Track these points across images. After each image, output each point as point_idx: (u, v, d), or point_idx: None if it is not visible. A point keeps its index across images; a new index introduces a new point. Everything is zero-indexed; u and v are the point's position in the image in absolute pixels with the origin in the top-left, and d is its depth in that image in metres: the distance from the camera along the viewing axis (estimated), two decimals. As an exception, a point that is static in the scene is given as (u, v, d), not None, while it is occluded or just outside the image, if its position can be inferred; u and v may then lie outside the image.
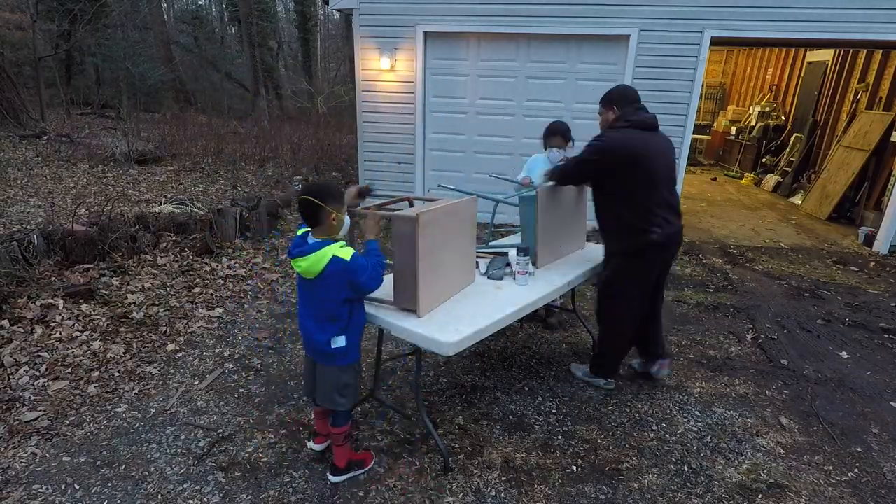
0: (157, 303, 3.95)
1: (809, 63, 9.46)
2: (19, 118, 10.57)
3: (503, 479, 2.41)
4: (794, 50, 9.86)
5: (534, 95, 6.25)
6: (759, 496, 2.37)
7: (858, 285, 5.01)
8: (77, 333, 3.43)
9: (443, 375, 3.25)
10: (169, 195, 6.82)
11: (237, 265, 4.77)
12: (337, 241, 2.14)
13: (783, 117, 10.22)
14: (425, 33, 6.20)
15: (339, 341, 2.19)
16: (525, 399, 3.02)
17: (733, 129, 11.18)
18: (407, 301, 2.34)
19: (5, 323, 3.39)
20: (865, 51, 7.68)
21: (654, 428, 2.82)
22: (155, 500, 2.23)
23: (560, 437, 2.71)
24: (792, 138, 9.45)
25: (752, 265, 5.49)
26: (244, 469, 2.42)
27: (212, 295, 4.19)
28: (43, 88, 12.17)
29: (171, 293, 4.13)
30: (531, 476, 2.43)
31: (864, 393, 3.23)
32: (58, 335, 3.37)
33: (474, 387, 3.13)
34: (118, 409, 2.81)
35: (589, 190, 3.09)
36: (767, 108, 10.39)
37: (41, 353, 3.19)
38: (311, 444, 2.55)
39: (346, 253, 2.10)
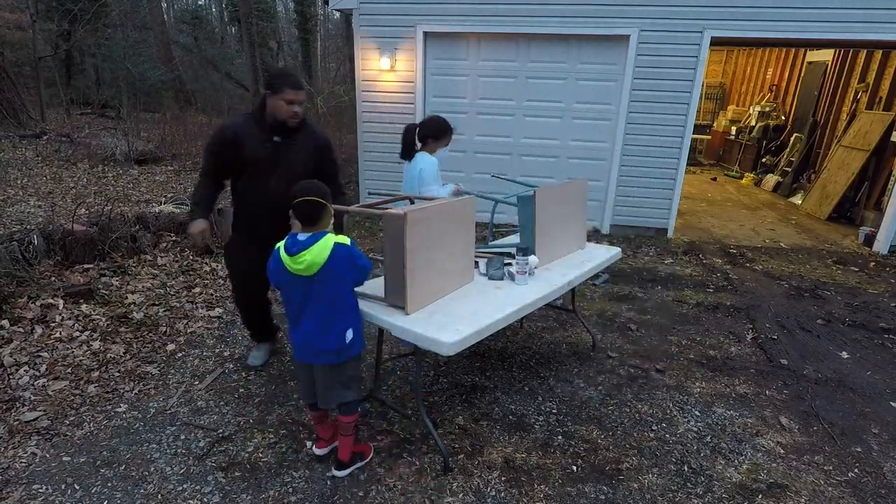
0: (157, 303, 3.95)
1: (809, 63, 9.46)
2: (19, 118, 10.57)
3: (503, 479, 2.41)
4: (794, 50, 9.85)
5: (534, 95, 6.25)
6: (759, 496, 2.37)
7: (858, 285, 5.01)
8: (77, 333, 3.43)
9: (443, 375, 3.25)
10: (169, 195, 6.82)
11: (237, 265, 4.77)
12: (327, 231, 2.16)
13: (783, 117, 10.21)
14: (425, 33, 6.20)
15: (350, 334, 2.20)
16: (525, 399, 3.02)
17: (733, 129, 11.18)
18: (397, 297, 2.35)
19: (5, 323, 3.39)
20: (865, 51, 7.68)
21: (654, 428, 2.82)
22: (155, 500, 2.23)
23: (560, 437, 2.71)
24: (792, 138, 9.45)
25: (752, 265, 5.49)
26: (244, 469, 2.42)
27: (212, 295, 4.19)
28: (43, 88, 12.17)
29: (171, 293, 4.13)
30: (531, 476, 2.43)
31: (864, 393, 3.23)
32: (58, 335, 3.37)
33: (474, 387, 3.13)
34: (118, 409, 2.81)
35: (588, 189, 3.01)
36: (767, 108, 10.39)
37: (41, 353, 3.19)
38: (314, 449, 2.51)
39: (342, 238, 2.13)
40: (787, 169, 9.19)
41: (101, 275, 4.22)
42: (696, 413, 2.96)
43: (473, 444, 2.63)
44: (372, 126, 6.69)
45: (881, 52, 7.33)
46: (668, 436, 2.76)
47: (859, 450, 2.71)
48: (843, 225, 7.12)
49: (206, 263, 4.69)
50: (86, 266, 4.29)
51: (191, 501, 2.23)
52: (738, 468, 2.54)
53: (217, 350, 3.45)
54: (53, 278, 4.02)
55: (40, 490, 2.26)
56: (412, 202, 2.98)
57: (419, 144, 3.27)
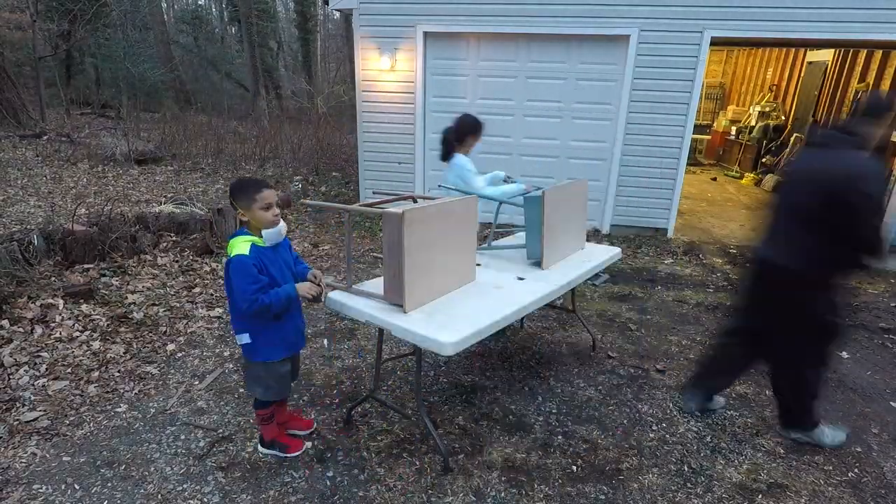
0: (157, 303, 3.95)
1: (809, 63, 9.46)
2: (19, 118, 10.58)
3: (503, 479, 2.41)
4: (794, 50, 9.85)
5: (534, 95, 6.24)
6: (759, 496, 2.37)
7: (858, 285, 5.01)
8: (77, 333, 3.43)
9: (443, 375, 3.25)
10: (169, 195, 6.82)
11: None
12: (250, 234, 2.15)
13: (783, 117, 10.21)
14: (425, 33, 6.19)
15: (243, 338, 2.25)
16: (525, 399, 3.02)
17: (733, 129, 11.18)
18: (395, 295, 2.35)
19: (5, 323, 3.39)
20: (865, 51, 7.68)
21: (654, 428, 2.82)
22: (155, 500, 2.23)
23: (560, 437, 2.70)
24: (792, 138, 9.45)
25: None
26: (244, 469, 2.42)
27: (212, 295, 4.19)
28: (43, 88, 12.17)
29: (171, 293, 4.13)
30: (531, 476, 2.43)
31: (864, 393, 3.23)
32: (58, 335, 3.37)
33: (474, 387, 3.13)
34: (118, 409, 2.81)
35: (588, 189, 3.02)
36: (767, 108, 10.39)
37: (41, 353, 3.19)
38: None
39: (241, 248, 2.08)
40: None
41: (101, 275, 4.22)
42: (697, 413, 2.96)
43: (473, 444, 2.63)
44: (372, 126, 6.69)
45: (881, 52, 7.34)
46: (668, 436, 2.76)
47: (859, 450, 2.71)
48: (843, 225, 7.10)
49: (206, 263, 4.69)
50: (86, 266, 4.29)
51: (191, 501, 2.23)
52: (738, 468, 2.54)
53: (217, 350, 3.45)
54: (53, 278, 4.02)
55: (40, 490, 2.26)
56: (415, 201, 2.98)
57: (456, 144, 3.38)
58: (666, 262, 5.51)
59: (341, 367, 3.31)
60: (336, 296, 2.58)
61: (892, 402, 3.14)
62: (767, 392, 3.20)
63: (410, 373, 3.25)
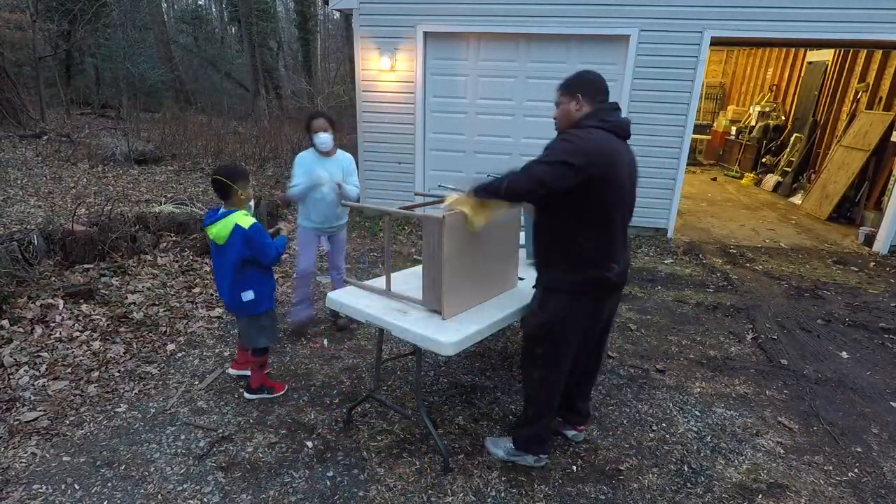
0: (157, 303, 3.95)
1: (809, 63, 9.46)
2: (19, 118, 10.57)
3: (503, 479, 2.41)
4: (794, 50, 9.85)
5: (534, 95, 6.24)
6: (759, 496, 2.37)
7: (858, 285, 5.01)
8: (77, 333, 3.43)
9: (443, 375, 3.25)
10: (169, 195, 6.82)
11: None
12: (240, 210, 2.62)
13: (783, 117, 10.21)
14: (425, 33, 6.19)
15: (248, 295, 2.67)
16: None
17: (733, 129, 11.18)
18: (433, 302, 2.32)
19: (5, 323, 3.39)
20: (865, 51, 7.68)
21: (654, 428, 2.82)
22: (155, 500, 2.23)
23: (560, 437, 2.70)
24: (792, 138, 9.45)
25: (752, 265, 5.49)
26: (244, 469, 2.42)
27: (212, 295, 4.19)
28: (43, 88, 12.17)
29: (171, 293, 4.13)
30: (531, 476, 2.43)
31: (864, 393, 3.23)
32: (58, 335, 3.37)
33: (474, 387, 3.13)
34: (118, 409, 2.81)
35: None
36: (767, 108, 10.39)
37: (41, 353, 3.19)
38: (228, 369, 3.15)
39: (245, 221, 2.57)
40: (787, 169, 9.19)
41: (101, 275, 4.22)
42: (696, 413, 2.96)
43: (473, 444, 2.63)
44: (372, 126, 6.69)
45: (881, 52, 7.34)
46: (668, 436, 2.76)
47: (859, 450, 2.71)
48: (843, 225, 7.12)
49: (206, 263, 4.69)
50: (86, 266, 4.29)
51: (191, 501, 2.23)
52: (738, 468, 2.54)
53: (217, 350, 3.45)
54: (53, 278, 4.02)
55: (40, 490, 2.26)
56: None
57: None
58: (666, 262, 5.51)
59: (341, 367, 3.31)
60: (335, 295, 2.59)
61: (892, 402, 3.14)
62: (767, 392, 3.20)
63: (410, 373, 3.25)
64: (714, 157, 12.09)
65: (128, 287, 4.11)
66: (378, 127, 6.66)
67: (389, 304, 2.46)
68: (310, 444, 2.58)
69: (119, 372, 3.12)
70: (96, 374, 3.07)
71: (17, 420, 2.66)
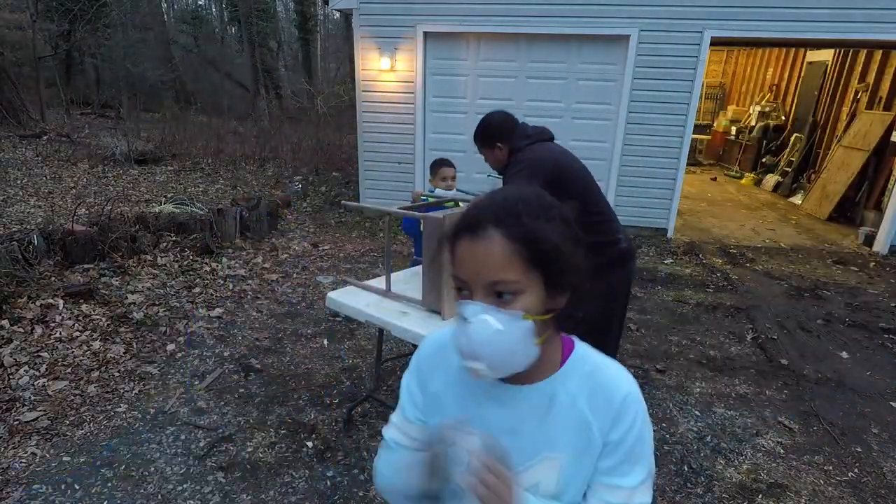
0: (157, 303, 3.95)
1: (809, 63, 9.46)
2: (19, 118, 10.57)
3: (503, 479, 2.40)
4: (794, 50, 9.85)
5: (534, 95, 6.24)
6: (759, 496, 2.37)
7: (858, 285, 5.01)
8: (77, 333, 3.42)
9: (443, 375, 3.24)
10: (169, 195, 6.81)
11: (237, 265, 4.77)
12: None
13: (783, 117, 10.21)
14: (425, 33, 6.19)
15: None
16: (525, 399, 3.01)
17: (733, 129, 11.17)
18: (434, 302, 2.32)
19: (5, 323, 3.39)
20: (865, 51, 7.68)
21: (654, 428, 2.80)
22: (155, 500, 2.23)
23: (560, 437, 2.70)
24: (792, 138, 9.45)
25: (752, 265, 5.49)
26: (244, 469, 2.42)
27: (212, 295, 4.19)
28: (43, 88, 12.18)
29: (171, 293, 4.13)
30: (531, 476, 2.43)
31: (864, 393, 3.23)
32: (58, 335, 3.37)
33: (474, 387, 3.12)
34: (118, 409, 2.81)
35: None
36: (767, 108, 10.39)
37: (41, 353, 3.19)
38: None
39: None
40: (787, 169, 9.19)
41: (101, 275, 4.22)
42: (697, 413, 2.96)
43: (473, 444, 2.62)
44: (372, 126, 6.69)
45: (881, 52, 7.33)
46: (668, 436, 2.76)
47: (859, 450, 2.71)
48: (843, 225, 7.11)
49: (206, 263, 4.69)
50: (86, 266, 4.29)
51: (191, 501, 2.23)
52: (738, 468, 2.54)
53: (217, 350, 3.45)
54: (53, 278, 4.02)
55: (40, 490, 2.26)
56: (457, 204, 2.95)
57: None
58: (666, 262, 5.51)
59: (341, 367, 3.31)
60: (335, 295, 2.58)
61: (892, 402, 3.14)
62: (767, 392, 3.20)
63: (410, 373, 3.24)
64: (714, 157, 12.09)
65: (128, 287, 4.11)
66: (378, 127, 6.66)
67: (389, 304, 2.46)
68: (310, 444, 2.58)
69: (119, 372, 3.12)
70: (96, 374, 3.07)
71: (17, 420, 2.65)
